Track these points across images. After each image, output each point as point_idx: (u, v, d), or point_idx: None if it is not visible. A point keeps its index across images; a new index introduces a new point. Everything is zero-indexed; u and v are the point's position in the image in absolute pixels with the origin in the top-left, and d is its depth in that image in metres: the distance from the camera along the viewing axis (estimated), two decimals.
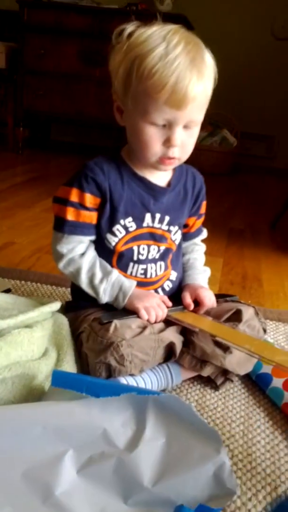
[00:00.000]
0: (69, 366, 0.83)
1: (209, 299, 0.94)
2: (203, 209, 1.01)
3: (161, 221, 0.92)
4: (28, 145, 3.48)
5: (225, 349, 0.87)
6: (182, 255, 1.02)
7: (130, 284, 0.88)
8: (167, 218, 0.92)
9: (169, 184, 0.92)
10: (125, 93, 0.81)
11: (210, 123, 3.26)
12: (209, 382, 0.92)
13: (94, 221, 0.88)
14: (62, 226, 0.87)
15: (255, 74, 3.40)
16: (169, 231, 0.93)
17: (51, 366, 0.81)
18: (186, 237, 1.02)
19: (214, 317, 0.93)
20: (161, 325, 0.87)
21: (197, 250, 1.05)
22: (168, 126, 0.80)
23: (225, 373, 0.90)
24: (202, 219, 1.03)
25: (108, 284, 0.88)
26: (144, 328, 0.84)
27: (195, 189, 0.96)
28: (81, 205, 0.86)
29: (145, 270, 0.92)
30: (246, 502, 0.67)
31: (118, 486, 0.63)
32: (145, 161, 0.85)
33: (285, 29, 3.24)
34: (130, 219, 0.88)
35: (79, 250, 0.89)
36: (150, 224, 0.91)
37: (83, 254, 0.89)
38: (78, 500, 0.61)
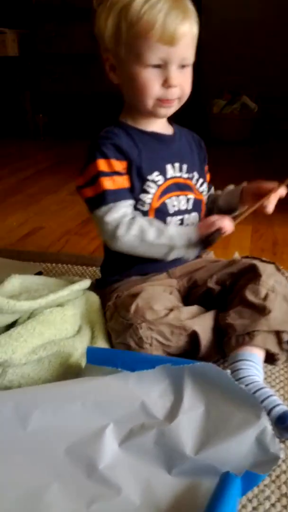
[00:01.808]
0: (103, 342, 0.83)
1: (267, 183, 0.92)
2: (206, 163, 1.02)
3: (180, 169, 0.93)
4: (49, 131, 3.47)
5: (262, 310, 0.82)
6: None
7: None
8: (184, 166, 0.93)
9: (173, 134, 0.94)
10: (117, 44, 0.83)
11: (229, 91, 3.18)
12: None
13: (128, 185, 0.87)
14: (104, 199, 0.85)
15: (272, 36, 3.28)
16: (190, 178, 0.94)
17: (86, 343, 0.81)
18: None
19: (226, 277, 0.91)
20: (192, 310, 0.84)
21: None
22: (164, 66, 0.82)
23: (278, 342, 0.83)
24: (208, 174, 1.03)
25: (178, 228, 0.87)
26: (170, 310, 0.81)
27: (195, 140, 0.99)
28: (113, 172, 0.85)
29: (182, 221, 0.92)
30: None
31: (161, 457, 0.63)
32: (144, 107, 0.86)
33: None
34: (156, 173, 0.89)
35: (130, 214, 0.86)
36: (173, 174, 0.91)
37: (133, 218, 0.87)
38: (122, 472, 0.61)
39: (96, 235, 1.53)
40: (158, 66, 0.82)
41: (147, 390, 0.68)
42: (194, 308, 0.85)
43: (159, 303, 0.81)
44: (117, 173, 0.86)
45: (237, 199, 0.97)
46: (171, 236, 0.85)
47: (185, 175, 0.93)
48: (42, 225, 1.64)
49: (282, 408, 0.70)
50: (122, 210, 0.85)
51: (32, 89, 3.20)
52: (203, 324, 0.82)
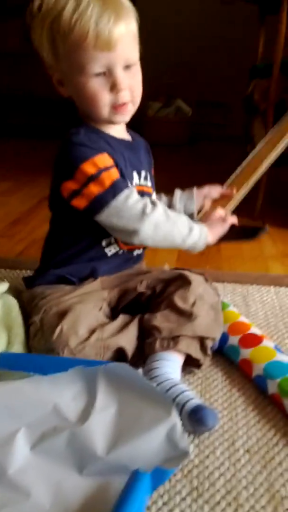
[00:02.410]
0: (20, 348, 0.81)
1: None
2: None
3: (145, 178, 0.93)
4: None
5: (189, 315, 0.83)
6: None
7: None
8: (147, 175, 0.93)
9: (133, 140, 0.93)
10: (57, 59, 0.82)
11: (164, 93, 3.22)
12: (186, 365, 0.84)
13: None
14: (117, 187, 0.81)
15: (206, 41, 3.36)
16: (149, 187, 0.95)
17: (1, 348, 0.79)
18: None
19: (156, 282, 0.92)
20: (115, 326, 0.82)
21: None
22: (108, 72, 0.80)
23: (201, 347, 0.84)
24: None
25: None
26: (93, 331, 0.79)
27: (146, 147, 0.98)
28: (109, 166, 0.82)
29: None
30: (203, 460, 0.68)
31: (72, 459, 0.62)
32: (100, 116, 0.84)
33: None
34: (128, 180, 0.87)
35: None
36: (138, 183, 0.91)
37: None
38: (33, 476, 0.61)
39: (23, 238, 1.52)
40: (103, 74, 0.80)
41: (60, 392, 0.68)
42: (118, 322, 0.83)
43: (84, 324, 0.79)
44: (113, 166, 0.83)
45: (193, 204, 1.00)
46: (187, 218, 0.88)
47: (146, 183, 0.93)
48: None
49: (195, 401, 0.71)
50: (135, 192, 0.84)
51: None
52: (127, 338, 0.81)
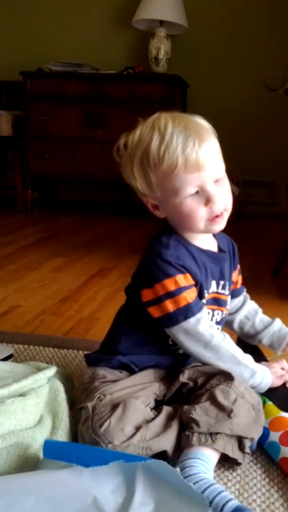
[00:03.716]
0: (64, 433, 0.84)
1: None
2: (239, 266, 1.07)
3: (223, 287, 0.98)
4: (38, 206, 3.59)
5: (229, 412, 0.83)
6: (235, 313, 1.10)
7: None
8: (226, 284, 0.99)
9: (219, 249, 0.98)
10: (151, 189, 0.89)
11: None
12: (225, 461, 0.85)
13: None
14: (190, 310, 0.88)
15: (252, 124, 3.52)
16: (227, 295, 1.00)
17: (46, 433, 0.83)
18: (234, 294, 1.06)
19: (199, 374, 0.93)
20: (158, 424, 0.84)
21: (252, 305, 1.12)
22: (201, 190, 0.86)
23: (239, 446, 0.85)
24: (241, 275, 1.09)
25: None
26: (138, 429, 0.81)
27: (230, 250, 1.03)
28: (190, 285, 0.89)
29: None
30: None
31: None
32: (197, 230, 0.90)
33: (277, 80, 3.36)
34: (205, 290, 0.94)
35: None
36: (215, 290, 0.97)
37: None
38: None
39: (71, 316, 1.58)
40: (196, 192, 0.86)
41: (100, 485, 0.69)
42: (161, 418, 0.85)
43: (131, 421, 0.82)
44: (193, 285, 0.90)
45: (280, 345, 1.07)
46: (254, 364, 0.93)
47: (223, 292, 0.98)
48: (20, 303, 1.68)
49: (234, 503, 0.71)
50: (207, 318, 0.91)
51: (23, 167, 3.35)
52: (169, 440, 0.83)
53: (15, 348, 1.28)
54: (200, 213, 0.88)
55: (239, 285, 1.09)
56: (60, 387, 0.93)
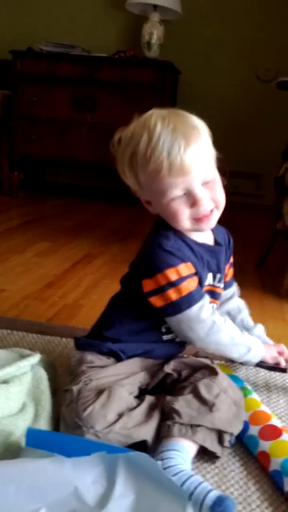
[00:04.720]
0: (46, 422, 0.85)
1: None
2: (232, 259, 1.08)
3: (219, 280, 1.00)
4: (24, 188, 3.55)
5: (211, 406, 0.85)
6: (220, 306, 1.09)
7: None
8: (221, 277, 1.00)
9: (216, 242, 0.99)
10: (141, 188, 0.91)
11: None
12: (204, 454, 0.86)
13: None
14: (193, 299, 0.90)
15: (242, 115, 3.51)
16: (221, 288, 1.02)
17: (28, 421, 0.83)
18: (224, 286, 1.07)
19: (183, 366, 0.95)
20: (140, 413, 0.85)
21: (239, 302, 1.14)
22: (188, 192, 0.87)
23: (219, 440, 0.86)
24: (232, 268, 1.10)
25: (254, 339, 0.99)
26: (120, 416, 0.82)
27: (226, 242, 1.04)
28: (190, 274, 0.90)
29: None
30: None
31: None
32: (182, 229, 0.91)
33: (269, 72, 3.36)
34: (203, 282, 0.95)
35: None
36: (210, 283, 0.98)
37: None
38: None
39: (55, 302, 1.58)
40: (183, 195, 0.87)
41: (81, 475, 0.70)
42: (144, 407, 0.86)
43: (114, 408, 0.82)
44: (194, 274, 0.91)
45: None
46: (250, 340, 0.97)
47: (219, 285, 1.00)
48: (4, 287, 1.67)
49: (215, 493, 0.72)
50: (209, 305, 0.92)
51: (10, 148, 3.30)
52: (150, 429, 0.83)
53: None
54: (185, 214, 0.89)
55: (229, 278, 1.10)
56: (43, 374, 0.93)
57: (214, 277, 0.98)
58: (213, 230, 0.99)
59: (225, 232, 1.05)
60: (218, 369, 0.92)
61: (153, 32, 3.25)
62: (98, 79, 3.15)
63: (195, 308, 0.90)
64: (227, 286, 1.10)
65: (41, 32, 3.49)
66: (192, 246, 0.93)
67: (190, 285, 0.90)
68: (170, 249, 0.89)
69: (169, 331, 0.96)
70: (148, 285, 0.90)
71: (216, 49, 3.48)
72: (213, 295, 0.99)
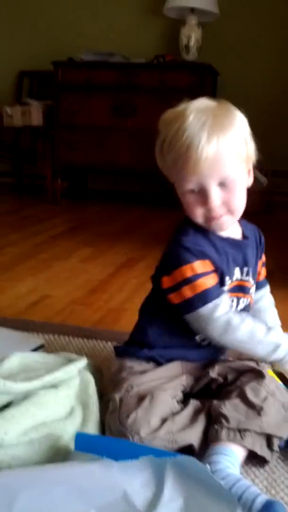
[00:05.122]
0: (94, 425, 0.86)
1: None
2: (264, 258, 1.06)
3: (247, 273, 0.97)
4: (67, 196, 3.61)
5: (259, 410, 0.83)
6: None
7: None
8: (250, 271, 0.98)
9: (243, 236, 0.98)
10: (167, 172, 0.92)
11: None
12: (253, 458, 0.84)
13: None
14: (208, 296, 0.88)
15: (283, 114, 3.44)
16: (251, 283, 0.99)
17: (76, 425, 0.85)
18: (257, 286, 1.05)
19: (229, 371, 0.94)
20: (185, 417, 0.85)
21: (265, 302, 1.10)
22: (201, 190, 0.86)
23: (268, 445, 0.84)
24: (265, 267, 1.08)
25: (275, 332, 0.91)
26: (164, 421, 0.82)
27: (257, 239, 1.02)
28: (209, 271, 0.89)
29: None
30: None
31: None
32: (197, 223, 0.91)
33: None
34: (227, 277, 0.93)
35: (231, 307, 0.92)
36: (238, 277, 0.96)
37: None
38: None
39: (100, 306, 1.60)
40: (196, 191, 0.87)
41: (130, 479, 0.71)
42: (188, 411, 0.86)
43: (158, 413, 0.83)
44: (212, 271, 0.90)
45: None
46: (279, 337, 0.90)
47: (247, 278, 0.98)
48: (50, 294, 1.70)
49: (264, 497, 0.71)
50: (226, 304, 0.90)
51: (53, 157, 3.37)
52: (195, 433, 0.83)
53: (45, 338, 1.30)
54: (197, 211, 0.89)
55: (261, 278, 1.08)
56: (90, 379, 0.94)
57: (242, 271, 0.96)
58: (241, 224, 0.98)
59: (255, 229, 1.03)
60: (265, 372, 0.91)
61: (191, 35, 3.24)
62: (137, 84, 3.17)
63: (210, 305, 0.88)
64: (260, 286, 1.08)
65: (80, 41, 3.54)
66: (215, 241, 0.92)
67: (208, 282, 0.88)
68: (188, 245, 0.89)
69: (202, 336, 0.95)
70: (166, 282, 0.91)
71: (254, 48, 3.44)
72: (243, 289, 0.97)
